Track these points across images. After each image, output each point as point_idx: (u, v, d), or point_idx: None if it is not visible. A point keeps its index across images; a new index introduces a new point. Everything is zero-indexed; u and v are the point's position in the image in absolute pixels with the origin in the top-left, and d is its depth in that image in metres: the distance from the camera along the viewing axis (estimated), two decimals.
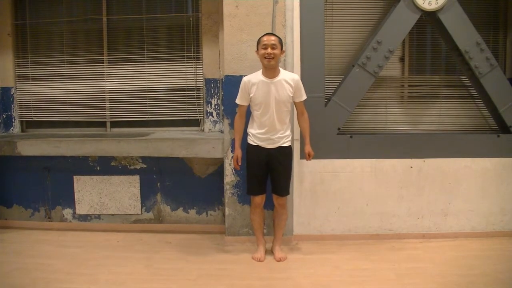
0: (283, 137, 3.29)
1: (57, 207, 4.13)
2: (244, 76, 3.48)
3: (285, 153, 3.32)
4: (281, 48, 3.21)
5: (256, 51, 3.26)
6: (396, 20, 3.65)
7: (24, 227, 4.09)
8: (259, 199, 3.36)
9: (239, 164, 3.37)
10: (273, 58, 3.13)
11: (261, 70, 3.26)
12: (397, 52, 4.02)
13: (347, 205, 3.79)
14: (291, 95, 3.25)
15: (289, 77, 3.25)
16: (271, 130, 3.24)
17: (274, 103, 3.20)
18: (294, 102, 3.34)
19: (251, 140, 3.32)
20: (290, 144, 3.35)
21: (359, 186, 3.77)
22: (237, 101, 3.31)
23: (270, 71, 3.21)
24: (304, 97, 3.34)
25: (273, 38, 3.16)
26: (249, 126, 3.37)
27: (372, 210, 3.79)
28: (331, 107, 3.71)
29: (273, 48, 3.13)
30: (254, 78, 3.23)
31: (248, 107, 3.33)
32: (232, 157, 3.63)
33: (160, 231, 3.99)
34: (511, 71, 4.07)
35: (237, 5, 3.53)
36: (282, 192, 3.35)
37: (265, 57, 3.14)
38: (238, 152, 3.36)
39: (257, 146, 3.28)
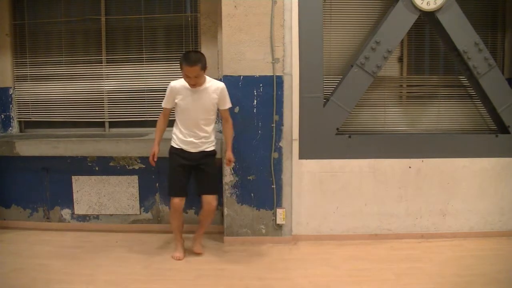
0: (207, 142, 3.35)
1: (55, 207, 4.12)
2: (242, 76, 3.50)
3: (208, 156, 3.38)
4: (205, 68, 3.20)
5: (180, 67, 3.21)
6: (395, 20, 3.65)
7: (22, 227, 4.08)
8: (179, 201, 3.36)
9: (155, 160, 3.37)
10: (195, 84, 3.20)
11: None
12: (396, 52, 4.03)
13: (345, 205, 3.79)
14: (216, 104, 3.32)
15: (215, 86, 3.29)
16: (194, 136, 3.31)
17: (198, 111, 3.27)
18: (219, 110, 3.38)
19: (175, 143, 3.36)
20: (213, 148, 3.41)
21: (357, 186, 3.77)
22: (163, 104, 3.36)
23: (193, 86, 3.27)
24: (229, 105, 3.38)
25: (194, 69, 3.11)
26: (174, 129, 3.39)
27: (370, 210, 3.80)
28: (330, 107, 3.72)
29: (195, 77, 3.15)
30: (181, 84, 3.26)
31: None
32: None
33: (159, 231, 3.99)
34: (510, 71, 4.07)
35: (235, 5, 3.53)
36: (211, 190, 3.40)
37: (189, 84, 3.21)
38: (156, 148, 3.37)
39: (180, 149, 3.33)
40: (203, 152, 3.34)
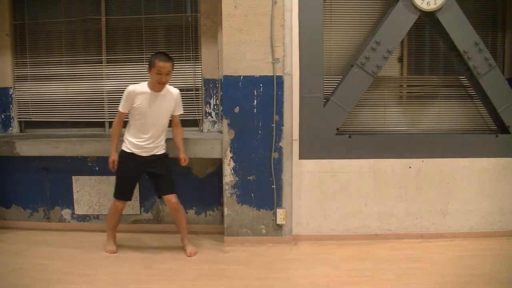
0: (158, 146, 3.43)
1: (56, 207, 4.12)
2: (242, 76, 3.50)
3: (160, 158, 3.44)
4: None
5: (149, 69, 3.27)
6: (395, 20, 3.66)
7: (22, 227, 4.08)
8: (123, 205, 3.49)
9: (115, 167, 3.41)
10: (165, 82, 3.29)
11: (147, 82, 3.33)
12: (396, 52, 4.03)
13: (346, 205, 3.79)
14: (172, 109, 3.43)
15: (173, 92, 3.42)
16: (150, 140, 3.36)
17: (157, 116, 3.34)
18: (172, 115, 3.47)
19: (126, 147, 3.39)
20: (164, 151, 3.48)
21: (357, 186, 3.77)
22: (120, 108, 3.36)
23: (160, 87, 3.32)
24: (181, 111, 3.52)
25: (168, 65, 3.24)
26: (126, 133, 3.42)
27: (370, 210, 3.80)
28: (330, 107, 3.72)
29: (167, 74, 3.25)
30: (140, 89, 3.30)
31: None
32: (231, 157, 3.64)
33: (159, 231, 3.99)
34: (510, 71, 4.07)
35: (235, 6, 3.53)
36: (172, 189, 3.46)
37: (159, 83, 3.26)
38: (115, 156, 3.39)
39: (132, 154, 3.37)
40: (154, 155, 3.41)
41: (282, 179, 3.69)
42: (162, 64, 3.21)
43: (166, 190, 3.45)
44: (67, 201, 4.09)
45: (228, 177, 3.70)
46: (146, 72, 4.14)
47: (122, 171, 3.42)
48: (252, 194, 3.70)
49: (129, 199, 3.52)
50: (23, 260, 3.36)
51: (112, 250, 3.51)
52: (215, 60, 4.05)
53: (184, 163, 3.52)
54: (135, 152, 3.36)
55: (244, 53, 3.56)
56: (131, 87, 3.32)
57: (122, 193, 3.46)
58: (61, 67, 4.26)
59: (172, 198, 3.43)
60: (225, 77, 3.60)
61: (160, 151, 3.44)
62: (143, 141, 3.35)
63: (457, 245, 3.68)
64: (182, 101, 4.16)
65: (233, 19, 3.55)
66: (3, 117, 4.34)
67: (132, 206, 4.03)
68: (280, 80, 3.60)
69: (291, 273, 3.19)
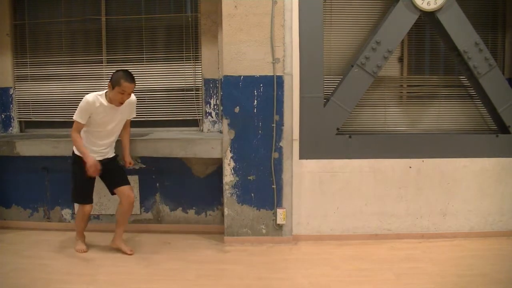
0: (111, 150, 3.52)
1: (56, 207, 4.13)
2: (242, 76, 3.50)
3: (112, 160, 3.52)
4: None
5: (110, 85, 3.22)
6: (395, 20, 3.65)
7: (23, 227, 4.08)
8: (90, 208, 3.49)
9: (99, 169, 3.33)
10: (124, 102, 3.30)
11: (104, 93, 3.30)
12: (396, 52, 4.03)
13: (346, 205, 3.79)
14: (127, 115, 3.50)
15: (131, 99, 3.40)
16: (104, 146, 3.43)
17: (115, 125, 3.40)
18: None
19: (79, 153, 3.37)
20: (114, 154, 3.56)
21: (358, 186, 3.77)
22: (78, 119, 3.26)
23: (120, 104, 3.32)
24: (135, 115, 3.60)
25: (133, 86, 3.26)
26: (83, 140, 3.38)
27: (371, 210, 3.80)
28: (330, 107, 3.72)
29: (128, 94, 3.28)
30: (99, 102, 3.26)
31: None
32: (231, 157, 3.64)
33: (159, 231, 3.99)
34: (510, 71, 4.07)
35: (236, 5, 3.53)
36: (125, 181, 3.49)
37: (120, 102, 3.27)
38: (93, 160, 3.30)
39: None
40: (107, 158, 3.46)
41: (282, 179, 3.69)
42: (128, 85, 3.22)
43: (120, 182, 3.47)
44: (67, 201, 4.07)
45: (228, 177, 3.70)
46: (146, 72, 4.19)
47: (78, 175, 3.39)
48: (252, 194, 3.70)
49: (92, 201, 3.50)
50: (23, 260, 3.37)
51: (83, 249, 3.53)
52: (215, 60, 4.05)
53: (128, 165, 3.62)
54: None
55: (244, 53, 3.56)
56: (90, 99, 3.25)
57: (84, 197, 3.47)
58: (61, 67, 4.26)
59: (129, 190, 3.45)
60: (225, 77, 3.60)
61: (112, 154, 3.52)
62: (98, 147, 3.40)
63: (457, 245, 3.68)
64: (182, 101, 4.21)
65: (233, 19, 3.55)
66: (3, 117, 4.34)
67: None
68: (280, 80, 3.60)
69: (291, 273, 3.19)
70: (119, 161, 3.62)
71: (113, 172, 3.49)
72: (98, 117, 3.28)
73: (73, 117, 3.27)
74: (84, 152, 3.30)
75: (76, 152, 3.39)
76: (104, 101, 3.28)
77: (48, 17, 4.23)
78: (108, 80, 3.28)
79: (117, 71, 3.29)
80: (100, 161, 3.35)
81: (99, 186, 4.00)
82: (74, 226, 3.75)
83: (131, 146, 3.72)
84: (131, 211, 3.56)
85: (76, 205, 3.77)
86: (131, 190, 3.48)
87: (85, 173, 3.30)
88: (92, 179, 3.45)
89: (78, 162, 3.36)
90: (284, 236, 3.74)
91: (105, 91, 3.32)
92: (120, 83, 3.19)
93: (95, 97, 3.27)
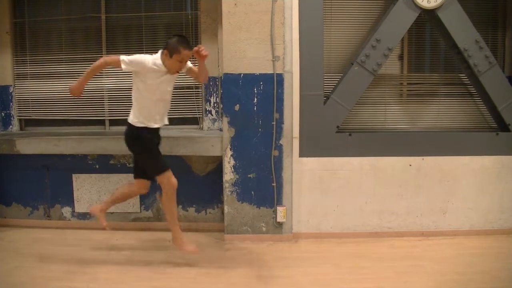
0: (163, 119, 3.24)
1: (56, 205, 4.12)
2: (242, 74, 3.50)
3: (159, 135, 3.29)
4: None
5: (168, 53, 2.98)
6: (395, 18, 3.65)
7: (23, 225, 4.08)
8: (175, 179, 3.18)
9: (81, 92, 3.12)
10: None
11: (160, 57, 3.02)
12: (396, 50, 4.02)
13: (346, 203, 3.79)
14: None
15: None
16: (161, 114, 3.19)
17: (165, 92, 3.15)
18: (190, 72, 3.27)
19: (140, 122, 3.11)
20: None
21: (358, 184, 3.77)
22: (125, 60, 2.97)
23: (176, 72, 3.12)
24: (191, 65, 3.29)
25: (191, 53, 3.02)
26: (134, 108, 3.13)
27: (371, 208, 3.80)
28: (330, 105, 3.71)
29: (186, 62, 3.10)
30: (157, 67, 3.00)
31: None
32: (231, 155, 3.64)
33: (159, 229, 3.98)
34: (510, 69, 4.07)
35: (235, 3, 3.52)
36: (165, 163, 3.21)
37: (177, 71, 3.07)
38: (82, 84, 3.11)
39: (145, 127, 3.12)
40: (157, 130, 3.23)
41: (282, 177, 3.69)
42: (188, 53, 2.98)
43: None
44: (67, 199, 4.09)
45: (228, 175, 3.70)
46: None
47: (148, 146, 3.14)
48: (252, 192, 3.70)
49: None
50: (23, 258, 3.37)
51: (191, 249, 3.25)
52: (215, 58, 4.04)
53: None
54: (148, 126, 3.11)
55: (244, 51, 3.56)
56: (151, 60, 2.99)
57: (164, 163, 3.15)
58: (61, 65, 4.26)
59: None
60: (225, 75, 3.60)
61: (163, 123, 3.24)
62: (153, 114, 3.12)
63: (457, 243, 3.68)
64: (182, 99, 4.20)
65: (233, 17, 3.54)
66: (3, 115, 4.34)
67: (132, 204, 4.03)
68: (280, 78, 3.59)
69: (291, 271, 3.19)
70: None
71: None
72: (150, 79, 3.01)
73: (120, 56, 3.00)
74: (87, 75, 3.09)
75: (136, 123, 3.10)
76: (163, 67, 3.00)
77: (48, 15, 4.23)
78: (164, 47, 3.01)
79: (173, 36, 3.04)
80: (155, 130, 3.16)
81: (99, 185, 4.02)
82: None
83: None
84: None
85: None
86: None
87: (150, 144, 3.12)
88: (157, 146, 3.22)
89: (138, 136, 3.11)
90: (284, 234, 3.74)
91: (158, 54, 3.03)
92: (179, 50, 2.95)
93: (155, 60, 3.00)
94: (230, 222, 3.75)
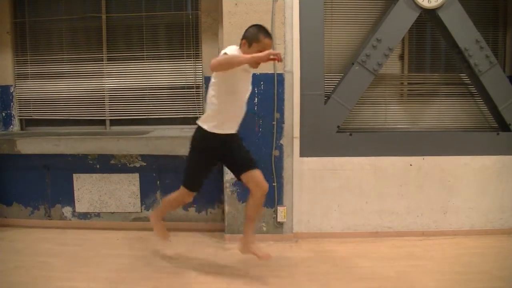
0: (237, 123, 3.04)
1: (56, 205, 4.13)
2: None
3: (234, 136, 3.04)
4: None
5: (247, 43, 2.76)
6: (396, 18, 3.65)
7: (23, 225, 4.08)
8: (190, 198, 3.15)
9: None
10: None
11: (238, 50, 2.79)
12: (397, 50, 4.02)
13: (346, 203, 3.79)
14: None
15: None
16: (238, 118, 3.01)
17: (246, 91, 2.96)
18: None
19: (212, 126, 2.90)
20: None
21: (358, 184, 3.77)
22: (234, 53, 2.70)
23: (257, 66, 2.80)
24: None
25: (271, 43, 2.78)
26: (215, 113, 2.89)
27: (371, 207, 3.80)
28: (331, 105, 3.71)
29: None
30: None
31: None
32: None
33: None
34: (511, 69, 4.07)
35: (236, 3, 3.52)
36: (254, 162, 3.01)
37: (258, 63, 2.70)
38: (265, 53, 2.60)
39: (213, 134, 2.90)
40: (230, 134, 2.98)
41: (283, 176, 3.69)
42: (268, 42, 2.71)
43: (247, 164, 2.95)
44: (68, 199, 4.09)
45: (229, 174, 3.69)
46: (147, 70, 4.19)
47: (202, 159, 2.95)
48: None
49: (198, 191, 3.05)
50: (24, 258, 3.37)
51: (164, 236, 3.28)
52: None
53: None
54: (221, 132, 2.88)
55: None
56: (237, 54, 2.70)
57: (194, 184, 3.02)
58: (61, 65, 4.26)
59: (258, 175, 2.93)
60: None
61: (236, 128, 3.01)
62: (231, 120, 2.93)
63: (458, 243, 3.68)
64: (182, 99, 4.21)
65: (233, 17, 3.54)
66: (4, 115, 4.34)
67: (133, 204, 4.03)
68: (281, 78, 3.59)
69: (292, 270, 3.19)
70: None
71: (237, 151, 2.98)
72: (235, 79, 2.74)
73: (222, 53, 2.70)
74: (243, 57, 2.61)
75: (208, 129, 2.86)
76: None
77: (49, 15, 4.23)
78: (242, 38, 2.76)
79: (251, 26, 2.80)
80: (223, 136, 2.90)
81: (100, 185, 4.02)
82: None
83: (132, 143, 3.72)
84: (262, 203, 3.04)
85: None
86: (262, 176, 2.94)
87: (208, 158, 2.95)
88: (212, 167, 3.03)
89: (203, 143, 2.92)
90: (284, 234, 3.74)
91: (233, 48, 2.74)
92: (259, 39, 2.69)
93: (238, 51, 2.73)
94: (230, 222, 3.75)
